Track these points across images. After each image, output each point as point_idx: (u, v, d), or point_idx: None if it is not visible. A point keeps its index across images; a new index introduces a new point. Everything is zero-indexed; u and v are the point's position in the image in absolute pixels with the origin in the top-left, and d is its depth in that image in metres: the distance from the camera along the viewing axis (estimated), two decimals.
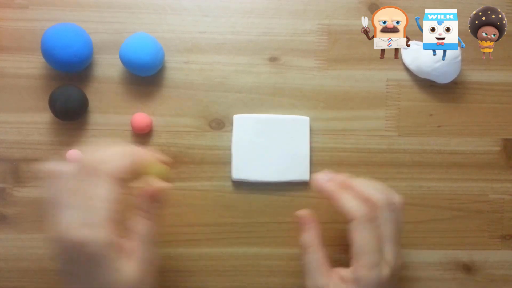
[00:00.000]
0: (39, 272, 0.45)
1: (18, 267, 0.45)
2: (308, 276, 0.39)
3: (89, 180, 0.32)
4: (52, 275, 0.45)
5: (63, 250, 0.31)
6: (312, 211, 0.46)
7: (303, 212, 0.41)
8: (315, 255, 0.39)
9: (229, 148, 0.46)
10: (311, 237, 0.40)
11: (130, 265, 0.33)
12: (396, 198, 0.38)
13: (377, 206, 0.37)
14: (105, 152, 0.33)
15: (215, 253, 0.46)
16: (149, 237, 0.35)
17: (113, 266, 0.32)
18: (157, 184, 0.36)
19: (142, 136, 0.46)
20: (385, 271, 0.36)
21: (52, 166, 0.33)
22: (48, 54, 0.42)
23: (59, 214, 0.31)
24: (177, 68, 0.46)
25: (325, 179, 0.40)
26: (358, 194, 0.38)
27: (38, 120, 0.46)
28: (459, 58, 0.44)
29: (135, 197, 0.36)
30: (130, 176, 0.34)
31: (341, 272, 0.38)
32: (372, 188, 0.38)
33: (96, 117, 0.46)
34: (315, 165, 0.46)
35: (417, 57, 0.45)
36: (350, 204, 0.37)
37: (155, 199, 0.36)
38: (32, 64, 0.46)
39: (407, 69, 0.47)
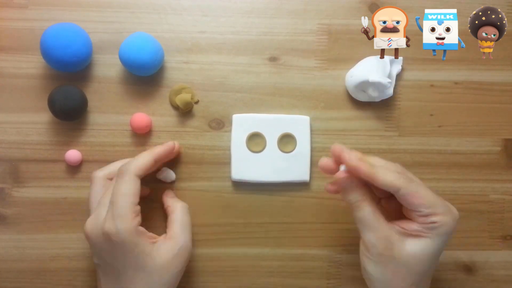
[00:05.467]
0: (39, 272, 0.45)
1: (17, 268, 0.45)
2: (366, 229, 0.37)
3: (117, 179, 0.38)
4: (52, 276, 0.45)
5: (97, 243, 0.37)
6: (313, 212, 0.46)
7: (340, 174, 0.38)
8: (370, 208, 0.37)
9: (228, 148, 0.46)
10: (358, 194, 0.38)
11: (161, 249, 0.37)
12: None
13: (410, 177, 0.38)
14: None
15: (215, 253, 0.46)
16: (181, 224, 0.40)
17: (143, 251, 0.36)
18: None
19: (142, 136, 0.46)
20: (449, 218, 0.37)
21: (95, 173, 0.41)
22: (47, 54, 0.42)
23: (93, 212, 0.38)
24: (177, 68, 0.46)
25: (353, 158, 0.37)
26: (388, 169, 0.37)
27: (38, 120, 0.46)
28: (390, 90, 0.45)
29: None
30: (152, 169, 0.41)
31: (402, 224, 0.37)
32: (391, 165, 0.38)
33: (96, 117, 0.46)
34: (315, 165, 0.46)
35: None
36: (390, 175, 0.36)
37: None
38: (32, 64, 0.46)
39: (407, 69, 0.47)
